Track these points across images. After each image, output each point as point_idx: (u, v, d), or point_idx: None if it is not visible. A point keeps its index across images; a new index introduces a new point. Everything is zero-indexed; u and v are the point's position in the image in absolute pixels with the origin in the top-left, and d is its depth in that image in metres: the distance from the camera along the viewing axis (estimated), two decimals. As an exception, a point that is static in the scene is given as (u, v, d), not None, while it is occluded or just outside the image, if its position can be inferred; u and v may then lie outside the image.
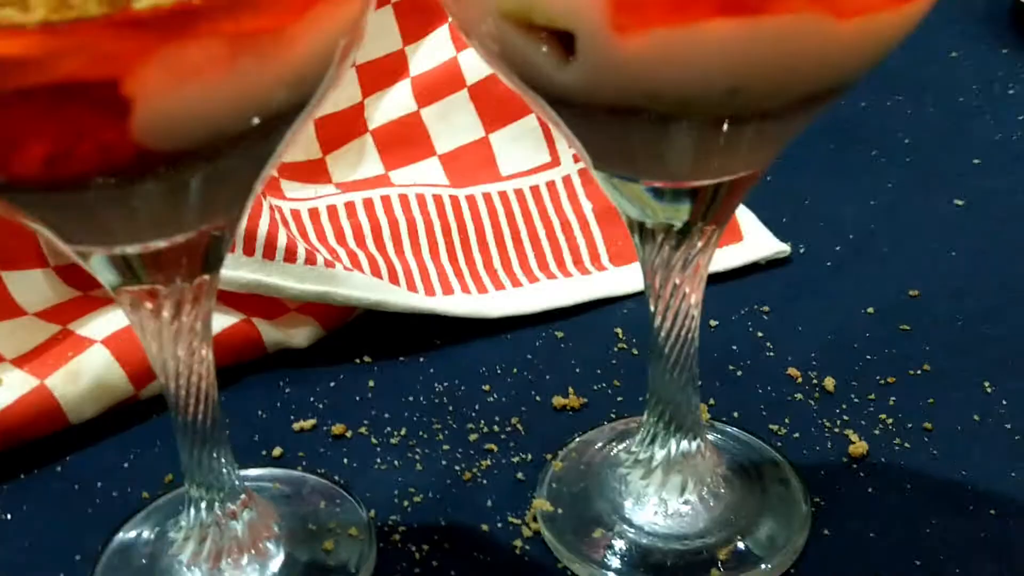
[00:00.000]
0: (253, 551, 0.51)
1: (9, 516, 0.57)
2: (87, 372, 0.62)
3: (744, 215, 0.78)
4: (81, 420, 0.62)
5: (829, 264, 0.74)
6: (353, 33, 0.38)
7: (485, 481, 0.57)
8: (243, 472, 0.57)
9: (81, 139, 0.33)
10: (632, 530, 0.53)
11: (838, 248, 0.75)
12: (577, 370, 0.65)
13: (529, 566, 0.52)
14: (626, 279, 0.72)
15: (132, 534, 0.54)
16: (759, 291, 0.71)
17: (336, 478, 0.58)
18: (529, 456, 0.59)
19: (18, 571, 0.54)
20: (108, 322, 0.64)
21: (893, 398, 0.61)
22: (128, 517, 0.56)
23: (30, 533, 0.56)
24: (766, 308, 0.70)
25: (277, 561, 0.52)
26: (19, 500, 0.58)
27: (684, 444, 0.53)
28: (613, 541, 0.52)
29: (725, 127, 0.38)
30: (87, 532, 0.56)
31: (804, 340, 0.66)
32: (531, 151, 0.81)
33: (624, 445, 0.57)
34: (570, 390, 0.63)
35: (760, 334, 0.67)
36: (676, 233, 0.46)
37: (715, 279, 0.72)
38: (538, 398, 0.63)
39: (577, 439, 0.59)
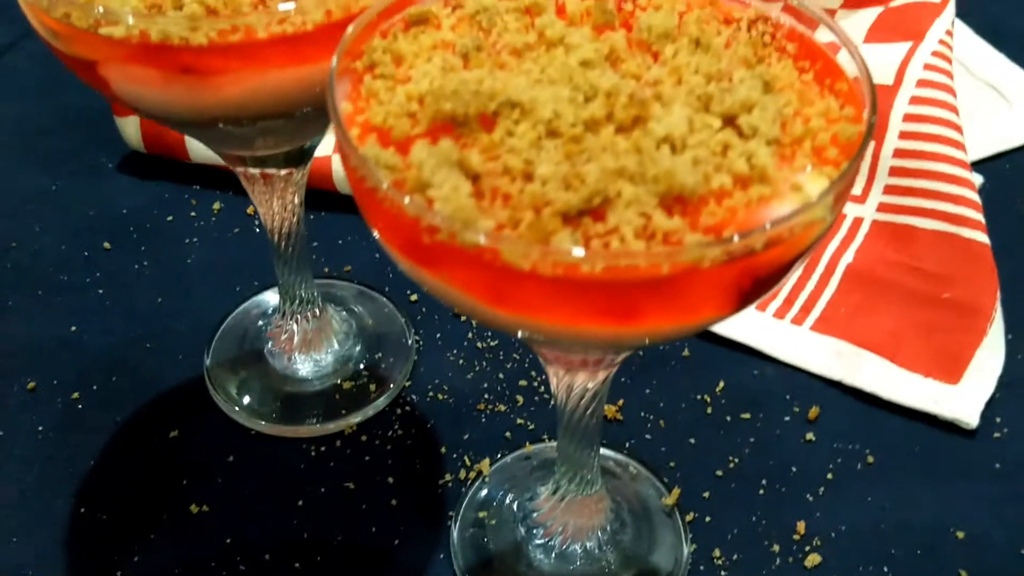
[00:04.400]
0: (302, 350, 0.70)
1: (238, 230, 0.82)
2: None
3: (988, 361, 0.70)
4: (347, 192, 0.82)
5: (997, 466, 0.65)
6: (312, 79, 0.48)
7: (484, 420, 0.68)
8: (368, 294, 0.75)
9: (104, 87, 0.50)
10: (506, 536, 0.62)
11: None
12: (647, 390, 0.69)
13: (434, 497, 0.64)
14: (808, 351, 0.71)
15: (253, 308, 0.75)
16: (881, 436, 0.67)
17: (419, 341, 0.73)
18: (532, 426, 0.68)
19: (213, 275, 0.78)
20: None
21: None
22: (255, 294, 0.76)
23: (234, 250, 0.80)
24: (871, 458, 0.66)
25: (308, 366, 0.70)
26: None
27: (572, 493, 0.59)
28: (488, 532, 0.62)
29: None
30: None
31: (880, 531, 0.62)
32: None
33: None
34: (621, 403, 0.69)
35: (851, 485, 0.65)
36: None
37: (881, 405, 0.68)
38: (593, 390, 0.70)
39: (558, 441, 0.66)
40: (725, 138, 0.39)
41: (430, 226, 0.36)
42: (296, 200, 0.63)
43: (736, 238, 0.35)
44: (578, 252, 0.35)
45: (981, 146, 0.86)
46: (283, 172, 0.60)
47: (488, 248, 0.35)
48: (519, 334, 0.41)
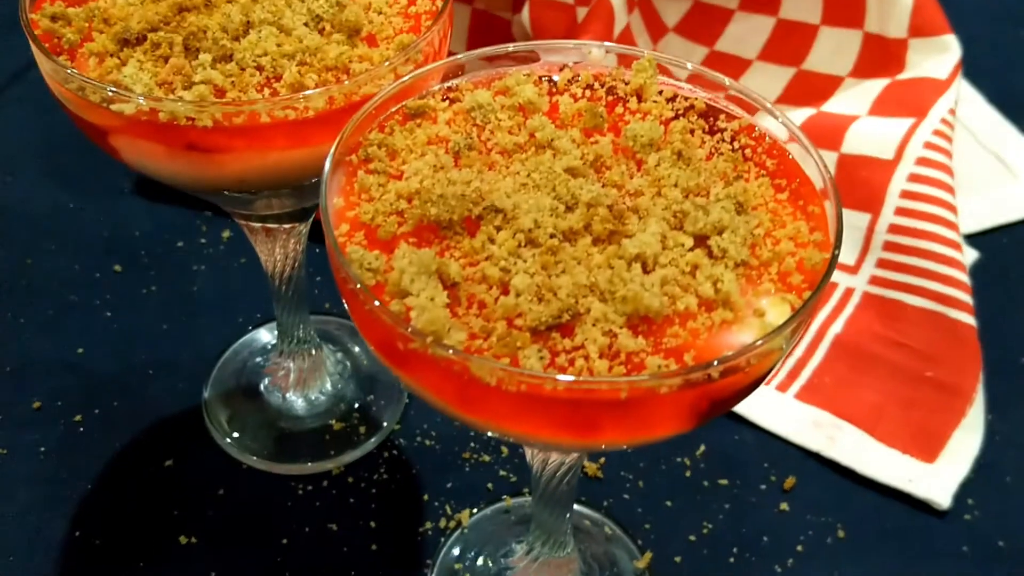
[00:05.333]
0: (297, 388, 0.72)
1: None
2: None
3: (965, 442, 0.71)
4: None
5: (964, 549, 0.67)
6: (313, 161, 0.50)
7: (468, 469, 0.70)
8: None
9: (113, 153, 0.52)
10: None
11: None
12: (629, 450, 0.71)
13: (413, 545, 0.66)
14: (789, 420, 0.72)
15: (252, 343, 0.77)
16: (853, 511, 0.68)
17: (411, 387, 0.75)
18: (514, 479, 0.70)
19: (218, 304, 0.81)
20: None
21: None
22: (257, 325, 0.79)
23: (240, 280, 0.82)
24: (842, 533, 0.67)
25: (302, 404, 0.72)
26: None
27: (545, 554, 0.61)
28: (461, 581, 0.64)
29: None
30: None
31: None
32: (847, 245, 0.79)
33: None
34: (603, 461, 0.71)
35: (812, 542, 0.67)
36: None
37: (856, 478, 0.70)
38: (576, 446, 0.72)
39: (532, 506, 0.68)
40: (695, 259, 0.41)
41: (404, 335, 0.38)
42: (298, 248, 0.65)
43: (693, 368, 0.37)
44: (540, 375, 0.37)
45: (983, 217, 0.87)
46: (286, 226, 0.62)
47: (457, 361, 0.37)
48: (489, 433, 0.43)
